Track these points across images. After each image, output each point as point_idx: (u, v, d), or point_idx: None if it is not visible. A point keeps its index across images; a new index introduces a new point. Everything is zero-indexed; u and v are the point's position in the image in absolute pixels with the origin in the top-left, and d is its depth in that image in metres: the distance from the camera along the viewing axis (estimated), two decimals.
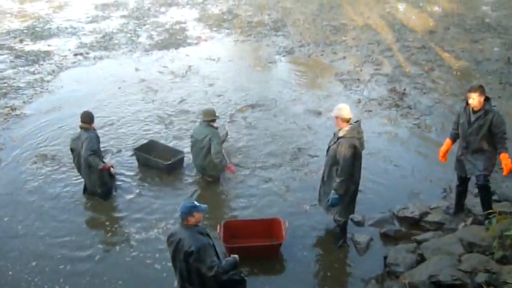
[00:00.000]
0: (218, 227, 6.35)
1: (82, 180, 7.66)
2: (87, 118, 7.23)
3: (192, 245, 4.77)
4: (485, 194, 6.23)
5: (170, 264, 5.25)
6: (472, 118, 6.01)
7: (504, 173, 6.01)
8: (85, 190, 7.64)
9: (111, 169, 7.44)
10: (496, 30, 14.96)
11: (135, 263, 6.35)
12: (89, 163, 7.10)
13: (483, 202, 6.26)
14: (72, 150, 7.36)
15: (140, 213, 7.30)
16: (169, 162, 8.11)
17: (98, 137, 7.30)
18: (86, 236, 6.85)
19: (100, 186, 7.39)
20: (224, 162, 7.61)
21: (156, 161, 8.14)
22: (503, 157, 5.88)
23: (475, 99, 5.90)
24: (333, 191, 5.94)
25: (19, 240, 6.77)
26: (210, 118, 7.61)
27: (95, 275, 6.16)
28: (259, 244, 6.35)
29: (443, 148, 6.60)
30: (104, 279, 6.11)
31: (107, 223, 7.11)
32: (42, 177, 8.15)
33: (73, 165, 7.73)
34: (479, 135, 5.97)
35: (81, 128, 7.24)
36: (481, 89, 5.90)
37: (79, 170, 7.47)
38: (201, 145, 7.51)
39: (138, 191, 7.82)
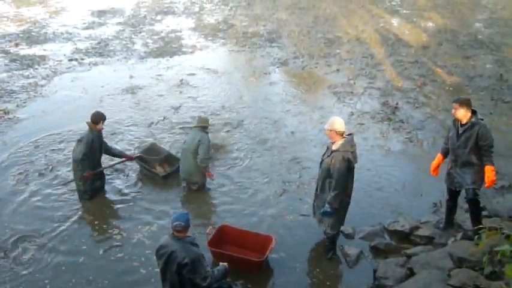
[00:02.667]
0: (209, 228, 6.40)
1: (68, 183, 7.93)
2: (93, 117, 7.41)
3: (186, 256, 4.78)
4: (474, 207, 6.27)
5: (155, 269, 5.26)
6: (460, 131, 6.08)
7: (486, 185, 6.09)
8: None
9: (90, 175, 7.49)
10: (488, 47, 15.14)
11: (121, 265, 6.45)
12: (77, 163, 7.30)
13: (472, 216, 6.31)
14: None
15: (125, 216, 7.42)
16: (165, 173, 8.21)
17: (97, 140, 7.40)
18: (72, 236, 6.94)
19: (84, 184, 7.48)
20: (207, 168, 7.70)
21: (153, 172, 8.26)
22: (487, 169, 5.96)
23: (456, 110, 6.01)
24: (327, 205, 5.94)
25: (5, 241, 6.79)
26: (202, 125, 7.69)
27: (82, 276, 6.23)
28: (238, 256, 6.22)
29: (434, 162, 6.64)
30: (89, 279, 6.18)
31: (96, 223, 7.24)
32: (31, 180, 8.15)
33: (62, 168, 8.16)
34: (467, 148, 6.03)
35: (87, 124, 7.42)
36: (464, 102, 5.99)
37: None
38: (191, 149, 7.55)
39: (127, 195, 7.91)
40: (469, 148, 6.01)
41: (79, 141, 7.36)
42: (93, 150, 7.36)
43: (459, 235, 6.45)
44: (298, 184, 8.17)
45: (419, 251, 6.31)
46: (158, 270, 5.12)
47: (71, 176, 7.80)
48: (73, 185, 7.79)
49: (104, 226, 7.18)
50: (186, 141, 7.79)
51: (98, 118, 7.41)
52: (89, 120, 7.41)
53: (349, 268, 6.41)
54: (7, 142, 9.33)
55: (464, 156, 6.10)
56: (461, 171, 6.21)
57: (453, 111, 6.07)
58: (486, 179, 6.00)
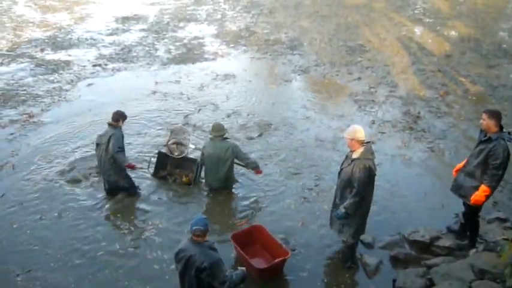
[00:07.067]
0: (244, 220, 6.95)
1: (87, 184, 8.21)
2: (116, 116, 7.61)
3: (205, 261, 4.83)
4: (471, 226, 6.47)
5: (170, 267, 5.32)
6: (480, 141, 6.06)
7: (471, 201, 6.08)
8: (108, 191, 7.95)
9: (135, 167, 7.87)
10: None
11: (134, 260, 6.68)
12: (116, 159, 7.48)
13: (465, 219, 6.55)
14: (97, 144, 7.70)
15: (135, 213, 7.67)
16: (191, 183, 8.30)
17: (123, 136, 7.65)
18: (84, 231, 7.23)
19: (123, 178, 7.78)
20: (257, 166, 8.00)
21: (181, 182, 8.41)
22: (481, 188, 5.93)
23: (484, 120, 5.96)
24: (342, 209, 5.90)
25: (25, 243, 6.94)
26: (222, 133, 7.80)
27: (96, 269, 6.47)
28: (245, 257, 6.21)
29: (459, 164, 6.59)
30: (105, 272, 6.43)
31: (109, 220, 7.55)
32: (53, 183, 8.34)
33: (82, 170, 8.52)
34: (477, 159, 6.01)
35: (108, 124, 7.61)
36: (493, 114, 5.92)
37: (99, 165, 7.79)
38: (223, 158, 7.67)
39: (144, 195, 8.14)
40: (478, 161, 5.97)
41: (108, 141, 7.42)
42: (123, 144, 7.62)
43: (481, 246, 6.37)
44: (317, 191, 8.15)
45: (439, 262, 6.25)
46: (173, 267, 5.21)
47: (90, 177, 8.12)
48: (85, 185, 8.13)
49: (118, 223, 7.45)
50: (213, 150, 7.70)
51: (119, 115, 7.62)
52: (111, 120, 7.61)
53: (368, 277, 6.38)
54: (31, 145, 9.54)
55: (472, 167, 6.09)
56: (464, 179, 6.21)
57: (481, 120, 6.02)
58: (473, 196, 6.00)
